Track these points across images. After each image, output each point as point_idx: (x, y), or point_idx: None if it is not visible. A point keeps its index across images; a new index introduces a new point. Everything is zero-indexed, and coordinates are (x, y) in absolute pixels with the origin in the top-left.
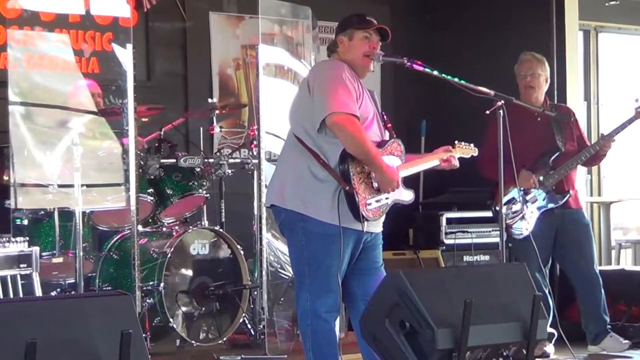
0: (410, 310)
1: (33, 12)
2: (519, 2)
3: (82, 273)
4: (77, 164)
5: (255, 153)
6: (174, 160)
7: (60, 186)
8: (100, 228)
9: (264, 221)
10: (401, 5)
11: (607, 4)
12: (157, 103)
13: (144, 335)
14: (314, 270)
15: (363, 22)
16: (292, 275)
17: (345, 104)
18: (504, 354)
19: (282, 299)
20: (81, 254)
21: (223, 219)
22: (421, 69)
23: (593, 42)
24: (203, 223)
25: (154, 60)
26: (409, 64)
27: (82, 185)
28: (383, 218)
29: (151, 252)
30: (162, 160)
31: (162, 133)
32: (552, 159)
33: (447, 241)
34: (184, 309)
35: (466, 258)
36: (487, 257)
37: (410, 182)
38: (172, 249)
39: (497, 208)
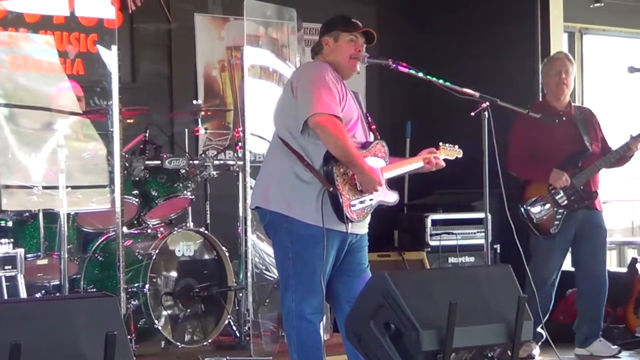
0: (395, 312)
1: (17, 14)
2: (504, 3)
3: (67, 275)
4: (61, 166)
5: (240, 155)
6: (159, 162)
7: (45, 188)
8: (85, 230)
9: (249, 223)
10: (387, 7)
11: (591, 6)
12: (142, 104)
13: (128, 337)
14: (299, 271)
15: (349, 24)
16: (278, 277)
17: (328, 105)
18: (489, 355)
19: (267, 301)
20: (66, 255)
21: (208, 221)
22: (406, 70)
23: (578, 43)
24: (188, 225)
25: (138, 61)
26: (394, 65)
27: (67, 187)
28: (368, 219)
29: (136, 253)
30: (147, 162)
31: (146, 135)
32: (581, 158)
33: (432, 243)
34: (169, 310)
35: (451, 259)
36: (472, 259)
37: (395, 183)
38: (157, 251)
39: (527, 207)
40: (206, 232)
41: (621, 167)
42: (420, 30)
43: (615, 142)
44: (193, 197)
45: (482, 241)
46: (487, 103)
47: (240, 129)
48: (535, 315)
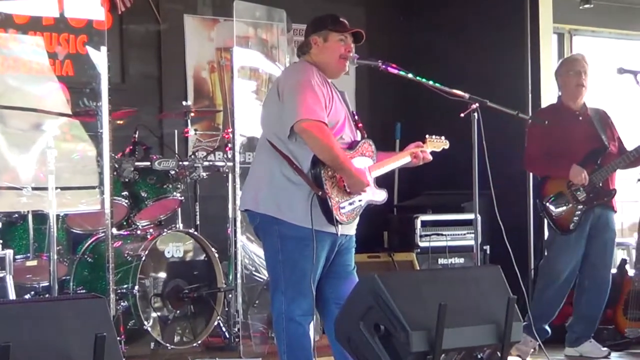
0: (385, 313)
1: (6, 15)
2: (494, 4)
3: (56, 276)
4: (51, 167)
5: (230, 156)
6: (149, 163)
7: (34, 189)
8: (74, 231)
9: (238, 224)
10: (376, 7)
11: (581, 7)
12: (131, 106)
13: (118, 338)
14: (289, 273)
15: (339, 24)
16: (267, 278)
17: (313, 111)
18: (479, 356)
19: (256, 302)
20: (55, 257)
21: (198, 222)
22: (396, 71)
23: (567, 45)
24: (178, 226)
25: (128, 62)
26: (383, 66)
27: (56, 188)
28: (357, 220)
29: (125, 255)
30: (136, 163)
31: (136, 136)
32: (600, 156)
33: (421, 244)
34: (158, 312)
35: (441, 261)
36: (461, 260)
37: (384, 184)
38: (147, 252)
39: (546, 203)
40: (196, 233)
41: (636, 167)
42: (409, 31)
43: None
44: (183, 198)
45: (472, 242)
46: (477, 104)
47: (230, 130)
48: (545, 311)
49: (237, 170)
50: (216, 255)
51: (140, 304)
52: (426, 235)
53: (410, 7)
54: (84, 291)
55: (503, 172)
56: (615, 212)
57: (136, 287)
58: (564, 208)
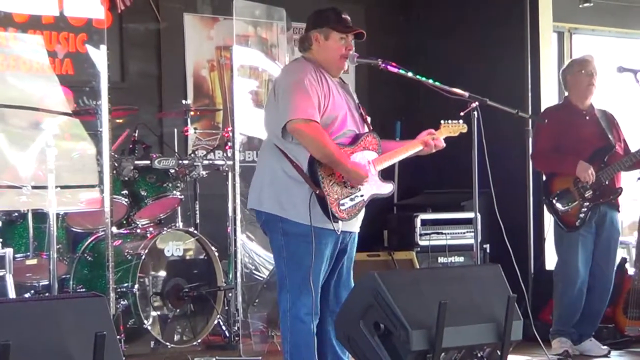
0: (385, 312)
1: (6, 13)
2: (494, 3)
3: (56, 275)
4: (51, 166)
5: (229, 155)
6: (148, 162)
7: (34, 188)
8: (74, 230)
9: (238, 222)
10: (376, 6)
11: (580, 6)
12: (131, 104)
13: (118, 337)
14: (293, 271)
15: (341, 23)
16: (267, 277)
17: (304, 111)
18: (479, 355)
19: (256, 301)
20: (55, 255)
21: (197, 221)
22: (395, 70)
23: (567, 43)
24: (177, 225)
25: (128, 61)
26: (383, 65)
27: (56, 187)
28: (361, 217)
29: (125, 253)
30: (136, 162)
31: (135, 134)
32: (607, 154)
33: (421, 242)
34: (158, 310)
35: (441, 259)
36: (461, 259)
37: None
38: (147, 251)
39: (552, 199)
40: (195, 232)
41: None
42: (409, 30)
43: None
44: (182, 197)
45: (472, 241)
46: (477, 103)
47: (230, 128)
48: (570, 314)
49: (237, 168)
50: (216, 253)
51: (140, 303)
52: (426, 234)
53: (410, 6)
54: (83, 290)
55: (503, 170)
56: (620, 211)
57: (136, 286)
58: (571, 204)
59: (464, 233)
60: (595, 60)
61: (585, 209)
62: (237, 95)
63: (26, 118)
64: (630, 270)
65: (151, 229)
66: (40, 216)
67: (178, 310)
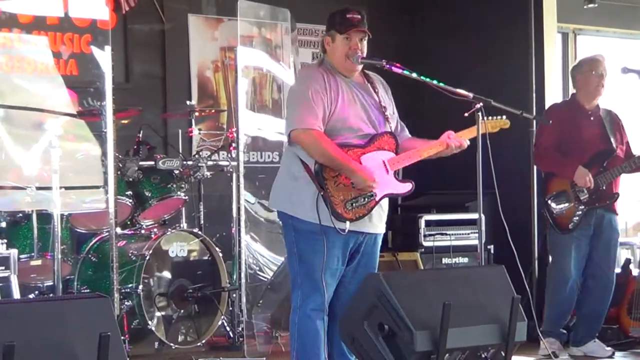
0: (389, 313)
1: (11, 14)
2: (498, 4)
3: (61, 275)
4: (55, 166)
5: (234, 155)
6: (153, 163)
7: (38, 188)
8: (78, 230)
9: (242, 223)
10: (380, 7)
11: (585, 7)
12: (135, 105)
13: (122, 337)
14: (304, 268)
15: (342, 24)
16: (271, 278)
17: (303, 120)
18: (483, 356)
19: (260, 301)
20: (59, 256)
21: (202, 222)
22: (400, 71)
23: (571, 44)
24: (182, 225)
25: (132, 62)
26: (387, 66)
27: (61, 188)
28: (383, 218)
29: (130, 254)
30: (140, 163)
31: (140, 135)
32: (606, 158)
33: (425, 243)
34: (162, 311)
35: (445, 260)
36: (465, 260)
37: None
38: (151, 252)
39: (547, 200)
40: (200, 232)
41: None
42: (413, 30)
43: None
44: (187, 197)
45: (476, 242)
46: (481, 104)
47: (234, 129)
48: (560, 313)
49: (242, 169)
50: (220, 254)
51: (144, 304)
52: (430, 235)
53: (415, 6)
54: (88, 290)
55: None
56: (618, 215)
57: (140, 287)
58: (565, 206)
59: (468, 234)
60: (605, 60)
61: (580, 212)
62: (242, 96)
63: (31, 119)
64: (635, 271)
65: (155, 229)
66: (45, 217)
67: (182, 311)
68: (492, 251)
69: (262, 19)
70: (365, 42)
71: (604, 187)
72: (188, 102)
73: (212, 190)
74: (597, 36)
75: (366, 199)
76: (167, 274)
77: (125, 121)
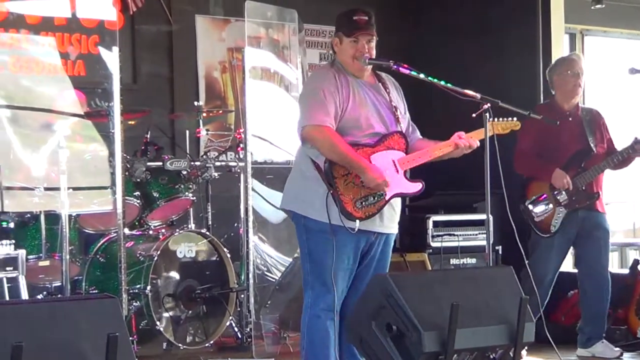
0: (397, 313)
1: (19, 15)
2: (505, 5)
3: (69, 276)
4: (63, 167)
5: (241, 156)
6: (161, 163)
7: (46, 189)
8: (86, 231)
9: (250, 224)
10: (387, 7)
11: (592, 8)
12: (143, 106)
13: (130, 338)
14: (314, 267)
15: (349, 27)
16: (279, 279)
17: (315, 117)
18: (491, 356)
19: (269, 302)
20: (67, 257)
21: (210, 222)
22: (407, 72)
23: (579, 45)
24: (189, 226)
25: (140, 63)
26: (395, 67)
27: (69, 188)
28: (396, 218)
29: (138, 255)
30: (148, 163)
31: (147, 136)
32: (584, 159)
33: (433, 244)
34: (170, 312)
35: (453, 261)
36: (473, 260)
37: None
38: (159, 252)
39: (528, 204)
40: (208, 233)
41: (626, 168)
42: (421, 32)
43: (616, 143)
44: (194, 198)
45: (484, 242)
46: (489, 104)
47: (242, 130)
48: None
49: (249, 170)
50: (228, 255)
51: (152, 304)
52: (438, 236)
53: (421, 8)
54: (96, 291)
55: (515, 172)
56: (603, 212)
57: (148, 287)
58: (546, 210)
59: (476, 234)
60: (582, 59)
61: (561, 215)
62: (249, 97)
63: (38, 119)
64: None
65: (163, 230)
66: (53, 217)
67: (190, 311)
68: (500, 252)
69: (269, 19)
70: (373, 44)
71: (584, 188)
72: (195, 103)
73: (220, 190)
74: (604, 37)
75: (376, 198)
76: (175, 275)
77: (133, 122)
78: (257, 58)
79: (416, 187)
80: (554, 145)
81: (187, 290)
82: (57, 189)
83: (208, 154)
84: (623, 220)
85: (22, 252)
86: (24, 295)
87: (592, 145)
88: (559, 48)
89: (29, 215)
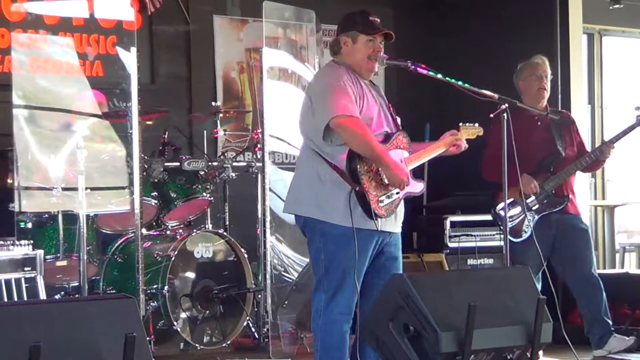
0: (414, 314)
1: (37, 15)
2: (523, 5)
3: (86, 276)
4: (81, 167)
5: (259, 156)
6: (178, 164)
7: (64, 189)
8: (104, 231)
9: (267, 224)
10: (404, 8)
11: (611, 8)
12: (161, 106)
13: (147, 338)
14: (331, 272)
15: (367, 26)
16: (296, 279)
17: (346, 107)
18: (508, 357)
19: (286, 302)
20: (85, 257)
21: (227, 222)
22: (425, 72)
23: (597, 45)
24: (207, 226)
25: (158, 63)
26: (412, 67)
27: (86, 189)
28: (401, 217)
29: (155, 255)
30: (166, 164)
31: (165, 136)
32: (552, 163)
33: (451, 244)
34: (187, 312)
35: (470, 261)
36: (490, 261)
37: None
38: (176, 252)
39: (496, 211)
40: (225, 233)
41: (595, 171)
42: (438, 33)
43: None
44: (212, 198)
45: (501, 243)
46: (506, 105)
47: (259, 130)
48: None
49: (267, 170)
50: (245, 255)
51: (169, 304)
52: (455, 236)
53: (439, 8)
54: (113, 291)
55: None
56: (576, 214)
57: (166, 288)
58: (516, 216)
59: (494, 235)
60: (546, 63)
61: (532, 219)
62: (267, 97)
63: (57, 120)
64: None
65: (181, 230)
66: (71, 218)
67: (207, 311)
68: None
69: (287, 20)
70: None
71: (554, 192)
72: (213, 103)
73: (238, 191)
74: (622, 37)
75: (393, 196)
76: (192, 275)
77: (151, 122)
78: (275, 58)
79: (420, 186)
80: (523, 150)
81: (205, 291)
82: (75, 189)
83: (225, 154)
84: None
85: (40, 252)
86: (42, 295)
87: (560, 149)
88: (577, 48)
89: (46, 215)
